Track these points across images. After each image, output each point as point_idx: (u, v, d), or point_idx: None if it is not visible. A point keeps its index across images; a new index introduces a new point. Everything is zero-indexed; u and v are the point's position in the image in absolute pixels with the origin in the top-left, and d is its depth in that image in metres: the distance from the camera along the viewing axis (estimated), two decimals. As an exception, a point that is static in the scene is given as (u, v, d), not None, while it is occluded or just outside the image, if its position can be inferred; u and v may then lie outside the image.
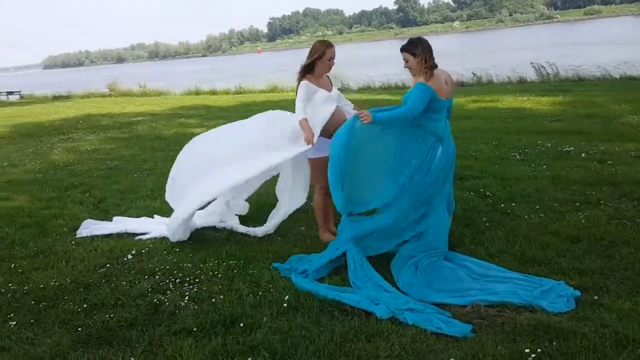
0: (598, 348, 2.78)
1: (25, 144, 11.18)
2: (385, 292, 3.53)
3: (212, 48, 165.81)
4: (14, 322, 3.39)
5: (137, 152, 9.30)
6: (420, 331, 3.10)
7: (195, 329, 3.21)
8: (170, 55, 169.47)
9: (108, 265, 4.22)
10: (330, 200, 4.78)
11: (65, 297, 3.70)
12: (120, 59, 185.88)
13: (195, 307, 3.50)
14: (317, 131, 4.40)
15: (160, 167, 7.78)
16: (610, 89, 13.59)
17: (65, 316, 3.43)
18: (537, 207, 5.02)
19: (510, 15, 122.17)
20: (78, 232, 5.03)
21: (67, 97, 26.66)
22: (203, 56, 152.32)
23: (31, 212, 5.89)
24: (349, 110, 4.65)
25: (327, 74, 4.55)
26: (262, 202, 5.58)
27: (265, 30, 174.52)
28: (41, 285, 3.90)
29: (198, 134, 10.95)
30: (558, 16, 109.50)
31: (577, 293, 3.40)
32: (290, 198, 4.83)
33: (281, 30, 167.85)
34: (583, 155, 6.89)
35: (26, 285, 3.93)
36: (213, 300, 3.58)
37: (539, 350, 2.79)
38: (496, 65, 21.33)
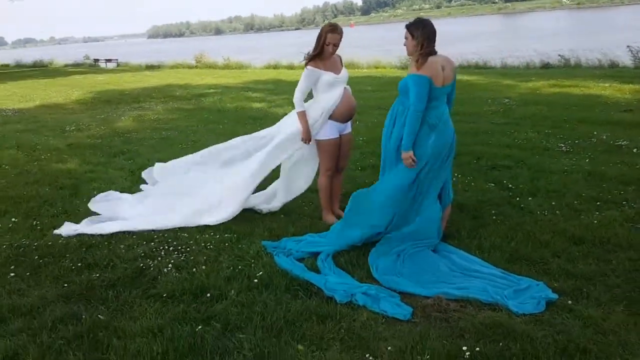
0: (540, 355, 2.68)
1: (100, 111, 12.04)
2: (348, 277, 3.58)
3: (305, 21, 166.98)
4: (13, 274, 3.79)
5: (192, 124, 9.73)
6: (372, 318, 3.13)
7: (165, 295, 3.43)
8: (265, 28, 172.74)
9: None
10: (336, 181, 4.83)
11: (67, 256, 4.06)
12: (218, 31, 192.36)
13: (176, 274, 3.72)
14: (325, 116, 4.44)
15: (203, 140, 8.11)
16: None
17: (59, 272, 3.78)
18: (554, 203, 4.77)
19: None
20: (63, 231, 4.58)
21: (158, 67, 28.11)
22: (296, 29, 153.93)
23: (75, 174, 6.41)
24: None
25: (338, 54, 4.55)
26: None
27: (360, 3, 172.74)
28: (49, 243, 4.30)
29: (257, 108, 11.46)
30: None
31: (554, 296, 3.26)
32: (297, 178, 4.94)
33: (376, 4, 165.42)
34: (635, 150, 6.38)
35: (36, 242, 4.34)
36: (194, 270, 3.78)
37: (477, 349, 2.73)
38: (595, 47, 19.89)
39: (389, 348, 2.82)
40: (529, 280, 3.45)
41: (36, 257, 4.04)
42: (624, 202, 4.67)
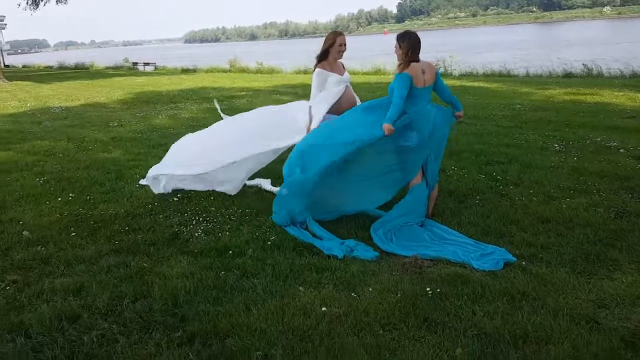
0: (486, 294, 3.41)
1: (139, 110, 13.08)
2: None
3: (339, 28, 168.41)
4: (74, 234, 4.68)
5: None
6: (360, 271, 3.88)
7: (196, 251, 4.27)
8: (299, 34, 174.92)
9: (156, 203, 5.43)
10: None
11: (116, 222, 4.95)
12: (252, 36, 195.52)
13: (204, 237, 4.56)
14: (325, 108, 5.22)
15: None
16: None
17: (111, 234, 4.66)
18: (532, 191, 5.44)
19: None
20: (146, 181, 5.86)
21: (194, 71, 29.37)
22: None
23: (119, 162, 7.36)
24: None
25: (340, 60, 5.33)
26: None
27: (395, 11, 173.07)
28: (102, 212, 5.21)
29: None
30: None
31: (513, 259, 3.96)
32: None
33: (411, 12, 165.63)
34: (622, 150, 6.97)
35: (91, 212, 5.25)
36: (219, 234, 4.61)
37: (438, 290, 3.48)
38: (622, 56, 20.17)
39: (370, 289, 3.58)
40: (494, 247, 4.16)
41: (92, 222, 4.94)
42: (594, 192, 5.31)
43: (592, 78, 17.69)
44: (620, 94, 12.54)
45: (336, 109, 5.23)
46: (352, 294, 3.55)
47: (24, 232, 4.70)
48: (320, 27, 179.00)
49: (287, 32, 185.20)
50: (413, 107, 4.56)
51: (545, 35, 68.29)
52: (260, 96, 15.39)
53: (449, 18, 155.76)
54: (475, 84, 16.73)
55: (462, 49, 37.28)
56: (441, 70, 21.14)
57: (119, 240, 4.53)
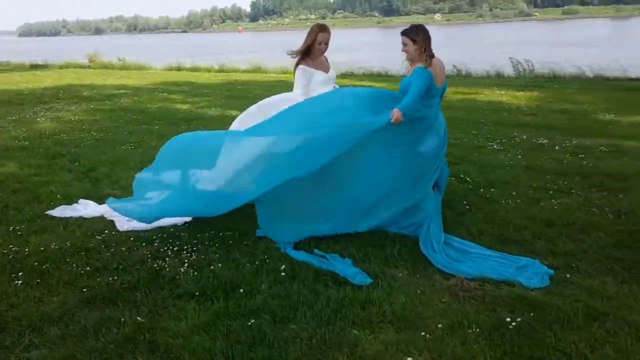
0: (572, 319, 3.08)
1: (6, 111, 11.05)
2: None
3: (192, 24, 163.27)
4: (20, 281, 3.53)
5: (121, 125, 9.34)
6: (408, 300, 3.34)
7: (197, 293, 3.40)
8: (150, 29, 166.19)
9: (106, 231, 4.36)
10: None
11: (67, 260, 3.84)
12: (98, 30, 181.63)
13: (195, 273, 3.68)
14: None
15: (147, 140, 7.87)
16: (584, 88, 14.05)
17: (69, 277, 3.58)
18: (514, 193, 5.32)
19: (491, 10, 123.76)
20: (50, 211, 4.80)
21: (45, 67, 26.05)
22: (183, 32, 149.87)
23: (21, 178, 5.94)
24: None
25: (325, 55, 4.73)
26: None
27: (248, 9, 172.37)
28: (42, 248, 4.03)
29: (181, 109, 11.21)
30: (537, 14, 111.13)
31: (551, 271, 3.69)
32: None
33: (264, 11, 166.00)
34: (557, 148, 7.23)
35: (26, 248, 4.05)
36: (212, 267, 3.76)
37: (518, 319, 3.07)
38: (474, 59, 21.75)
39: (439, 325, 3.06)
40: (525, 258, 3.88)
41: (35, 263, 3.77)
42: (571, 191, 5.33)
43: (462, 78, 18.78)
44: (502, 92, 13.35)
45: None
46: (422, 333, 3.01)
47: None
48: (172, 22, 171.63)
49: (136, 27, 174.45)
50: (428, 109, 4.14)
51: (388, 37, 72.26)
52: (143, 94, 13.99)
53: (300, 19, 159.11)
54: (361, 83, 16.81)
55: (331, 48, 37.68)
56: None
57: (85, 286, 3.48)
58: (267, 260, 3.89)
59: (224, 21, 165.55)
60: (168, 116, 10.46)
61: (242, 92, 14.73)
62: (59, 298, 3.31)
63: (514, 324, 3.03)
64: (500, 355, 2.78)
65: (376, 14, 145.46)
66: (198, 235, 4.31)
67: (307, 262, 3.81)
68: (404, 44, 4.18)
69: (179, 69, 23.25)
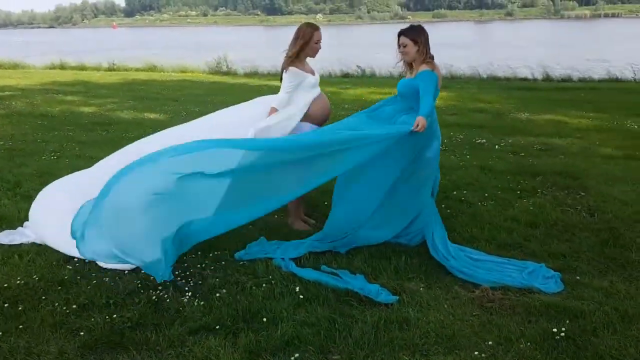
0: (610, 325, 3.08)
1: None
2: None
3: (61, 19, 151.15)
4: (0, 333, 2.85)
5: (28, 132, 8.21)
6: (444, 317, 3.17)
7: (217, 327, 2.97)
8: (12, 24, 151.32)
9: (75, 258, 3.69)
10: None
11: (43, 298, 3.18)
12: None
13: (202, 302, 3.23)
14: (298, 117, 4.27)
15: (69, 148, 6.97)
16: (483, 88, 14.90)
17: (55, 319, 2.96)
18: (486, 194, 5.37)
19: (368, 12, 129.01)
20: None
21: None
22: (50, 27, 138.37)
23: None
24: None
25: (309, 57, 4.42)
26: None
27: (123, 4, 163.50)
28: (5, 285, 3.31)
29: (87, 112, 10.17)
30: (410, 17, 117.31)
31: (558, 274, 3.72)
32: None
33: (140, 6, 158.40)
34: (496, 147, 7.50)
35: (-9, 286, 3.31)
36: (217, 294, 3.32)
37: (563, 328, 3.01)
38: (374, 59, 22.37)
39: (489, 343, 2.92)
40: (532, 263, 3.88)
41: (4, 304, 3.06)
42: (537, 191, 5.50)
43: (367, 77, 19.20)
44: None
45: (310, 116, 4.32)
46: (475, 352, 2.85)
47: None
48: (37, 17, 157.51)
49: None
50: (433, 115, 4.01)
51: (270, 37, 72.38)
52: (34, 96, 12.58)
53: (180, 15, 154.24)
54: (268, 82, 16.45)
55: (216, 46, 36.56)
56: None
57: (79, 328, 2.89)
58: (273, 282, 3.52)
59: (96, 16, 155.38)
60: (76, 120, 9.43)
61: (147, 92, 13.81)
62: (54, 347, 2.71)
63: (562, 334, 2.97)
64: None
65: (259, 12, 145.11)
66: (184, 257, 3.81)
67: (320, 282, 3.50)
68: (403, 45, 4.01)
69: (62, 67, 21.32)
